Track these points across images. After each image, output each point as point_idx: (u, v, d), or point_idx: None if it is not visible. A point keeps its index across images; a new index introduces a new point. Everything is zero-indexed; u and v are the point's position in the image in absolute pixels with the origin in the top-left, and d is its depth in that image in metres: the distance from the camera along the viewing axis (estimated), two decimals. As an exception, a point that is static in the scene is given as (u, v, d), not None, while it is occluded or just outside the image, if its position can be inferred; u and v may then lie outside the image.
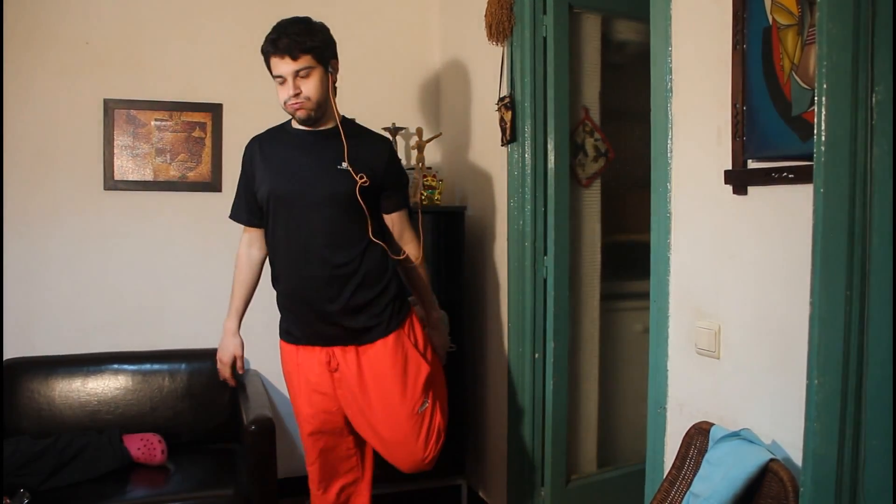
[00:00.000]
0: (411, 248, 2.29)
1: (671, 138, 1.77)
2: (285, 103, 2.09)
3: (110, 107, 2.97)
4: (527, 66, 2.53)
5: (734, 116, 1.54)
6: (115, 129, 2.97)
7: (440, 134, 3.19)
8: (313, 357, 2.18)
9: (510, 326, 2.70)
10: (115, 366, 2.83)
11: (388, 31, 3.32)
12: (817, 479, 1.25)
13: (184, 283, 3.08)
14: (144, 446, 2.60)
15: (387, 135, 3.10)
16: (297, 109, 2.08)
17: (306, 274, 2.13)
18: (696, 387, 1.72)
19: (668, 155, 1.78)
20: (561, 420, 2.62)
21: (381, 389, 2.14)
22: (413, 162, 3.17)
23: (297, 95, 2.05)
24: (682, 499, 1.58)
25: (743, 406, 1.57)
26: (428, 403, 2.16)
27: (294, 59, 2.03)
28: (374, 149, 2.19)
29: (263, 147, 2.20)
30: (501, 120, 2.65)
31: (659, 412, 1.84)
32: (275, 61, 2.05)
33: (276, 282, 2.22)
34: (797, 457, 1.37)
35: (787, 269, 1.44)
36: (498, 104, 2.66)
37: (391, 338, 2.14)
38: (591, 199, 2.77)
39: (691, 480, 1.58)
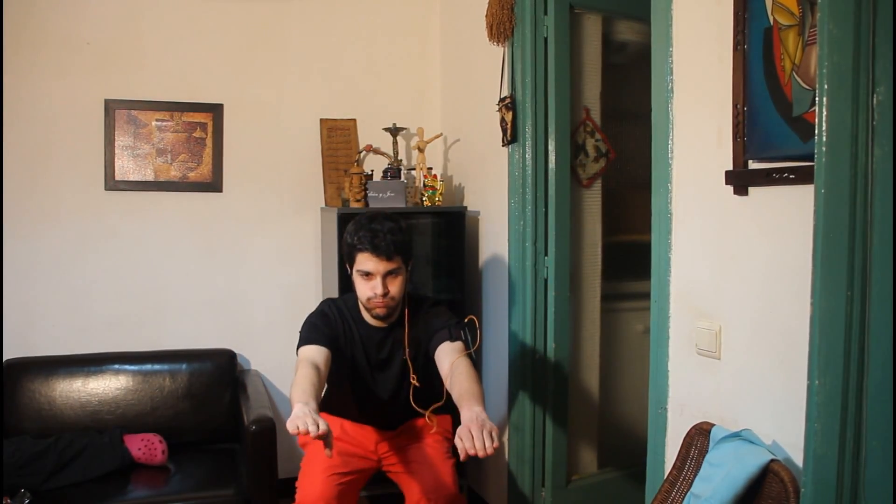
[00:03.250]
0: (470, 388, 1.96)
1: (672, 139, 1.77)
2: (368, 300, 2.08)
3: (111, 107, 2.97)
4: (528, 67, 2.53)
5: (735, 117, 1.54)
6: (115, 130, 2.98)
7: (441, 134, 3.19)
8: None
9: (510, 326, 2.69)
10: (116, 366, 2.83)
11: (388, 31, 3.32)
12: (818, 479, 1.25)
13: (184, 284, 3.08)
14: (145, 446, 2.60)
15: (388, 135, 3.11)
16: (380, 307, 2.08)
17: (372, 413, 2.26)
18: (697, 387, 1.72)
19: (669, 155, 1.77)
20: (561, 420, 2.62)
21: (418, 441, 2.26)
22: (414, 162, 3.17)
23: (384, 295, 2.05)
24: (682, 499, 1.58)
25: (744, 406, 1.57)
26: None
27: (389, 259, 2.03)
28: (426, 324, 2.18)
29: (346, 329, 2.17)
30: (502, 120, 2.65)
31: (660, 412, 1.84)
32: (366, 257, 2.03)
33: (331, 402, 2.27)
34: (798, 457, 1.37)
35: (787, 270, 1.44)
36: (499, 104, 2.66)
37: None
38: (592, 200, 2.77)
39: (692, 481, 1.58)
